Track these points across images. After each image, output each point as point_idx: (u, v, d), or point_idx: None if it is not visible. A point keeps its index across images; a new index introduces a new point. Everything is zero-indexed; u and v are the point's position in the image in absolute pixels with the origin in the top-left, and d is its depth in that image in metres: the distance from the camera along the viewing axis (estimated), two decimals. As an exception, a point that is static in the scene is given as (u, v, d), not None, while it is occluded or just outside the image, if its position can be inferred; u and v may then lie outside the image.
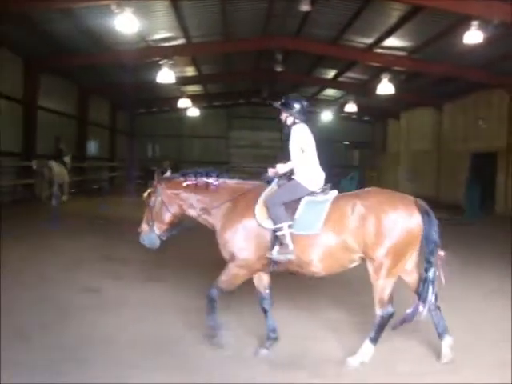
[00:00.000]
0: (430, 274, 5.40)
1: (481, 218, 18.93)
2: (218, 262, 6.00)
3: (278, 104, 6.12)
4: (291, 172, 5.92)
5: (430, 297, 5.39)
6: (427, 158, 29.16)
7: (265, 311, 5.89)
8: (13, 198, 19.65)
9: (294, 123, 5.99)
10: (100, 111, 31.11)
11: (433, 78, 23.30)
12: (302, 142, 5.87)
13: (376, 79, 23.54)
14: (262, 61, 25.27)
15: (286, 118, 6.05)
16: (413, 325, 5.71)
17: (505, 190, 21.46)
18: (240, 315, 6.71)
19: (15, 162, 20.64)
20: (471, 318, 7.00)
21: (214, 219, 5.89)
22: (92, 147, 30.09)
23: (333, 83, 28.53)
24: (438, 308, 5.56)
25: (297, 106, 5.99)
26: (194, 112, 35.06)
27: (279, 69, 23.22)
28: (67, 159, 21.82)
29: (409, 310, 5.48)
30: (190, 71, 26.67)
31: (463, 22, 15.18)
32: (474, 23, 14.75)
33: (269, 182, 5.95)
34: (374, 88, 23.25)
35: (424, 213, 5.43)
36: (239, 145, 37.74)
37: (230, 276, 5.69)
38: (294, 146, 5.88)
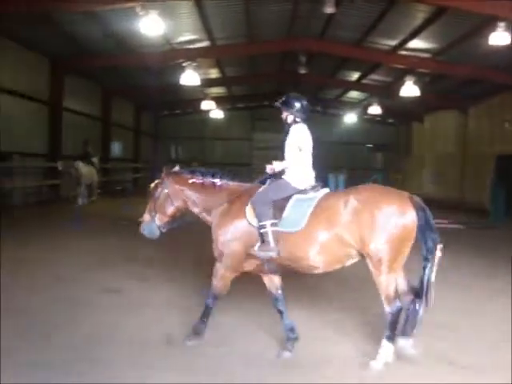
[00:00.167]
0: (427, 271, 5.33)
1: (505, 222, 18.66)
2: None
3: (278, 103, 6.17)
4: (282, 171, 5.99)
5: (432, 295, 5.33)
6: (452, 161, 28.84)
7: (280, 312, 5.93)
8: (38, 199, 19.91)
9: (295, 122, 6.05)
10: (124, 113, 31.37)
11: (457, 80, 23.08)
12: (300, 141, 5.92)
13: (400, 81, 23.42)
14: (286, 63, 25.30)
15: (287, 116, 6.10)
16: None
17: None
18: (249, 313, 6.78)
19: (41, 163, 20.90)
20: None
21: (213, 218, 6.02)
22: (116, 148, 30.37)
23: (357, 85, 28.45)
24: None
25: (297, 104, 6.03)
26: (217, 114, 35.22)
27: (303, 71, 23.22)
28: (95, 160, 22.11)
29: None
30: (214, 73, 26.77)
31: (488, 23, 15.01)
32: (501, 24, 14.57)
33: (263, 183, 6.07)
34: (398, 90, 23.13)
35: (419, 209, 5.36)
36: (262, 147, 37.67)
37: (219, 278, 5.83)
38: (291, 144, 5.95)
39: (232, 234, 5.78)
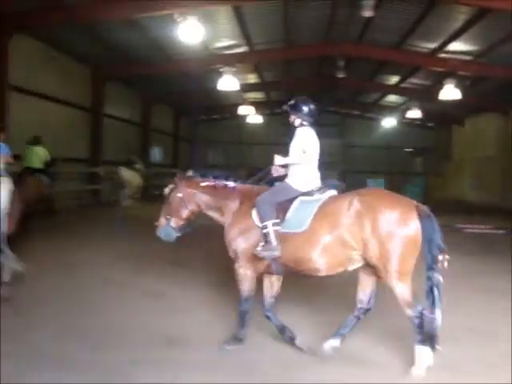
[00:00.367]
0: (434, 280, 5.25)
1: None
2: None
3: (286, 106, 6.32)
4: (285, 175, 6.12)
5: (441, 302, 5.26)
6: (493, 165, 28.34)
7: (268, 318, 6.05)
8: (79, 203, 20.28)
9: (302, 125, 6.17)
10: (163, 118, 31.77)
11: (499, 83, 22.69)
12: (304, 143, 6.01)
13: (440, 84, 23.12)
14: (323, 67, 25.29)
15: (294, 119, 6.23)
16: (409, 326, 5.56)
17: None
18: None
19: (83, 169, 21.31)
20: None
21: (226, 219, 6.15)
22: (156, 154, 30.73)
23: (395, 89, 28.23)
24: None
25: (305, 108, 6.16)
26: (255, 119, 35.26)
27: (341, 75, 23.14)
28: (138, 166, 22.48)
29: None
30: (252, 78, 26.93)
31: (531, 25, 14.79)
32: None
33: (271, 184, 6.24)
34: (438, 93, 22.86)
35: (425, 217, 5.31)
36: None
37: (242, 279, 5.93)
38: (295, 146, 6.05)
39: (242, 233, 5.92)
